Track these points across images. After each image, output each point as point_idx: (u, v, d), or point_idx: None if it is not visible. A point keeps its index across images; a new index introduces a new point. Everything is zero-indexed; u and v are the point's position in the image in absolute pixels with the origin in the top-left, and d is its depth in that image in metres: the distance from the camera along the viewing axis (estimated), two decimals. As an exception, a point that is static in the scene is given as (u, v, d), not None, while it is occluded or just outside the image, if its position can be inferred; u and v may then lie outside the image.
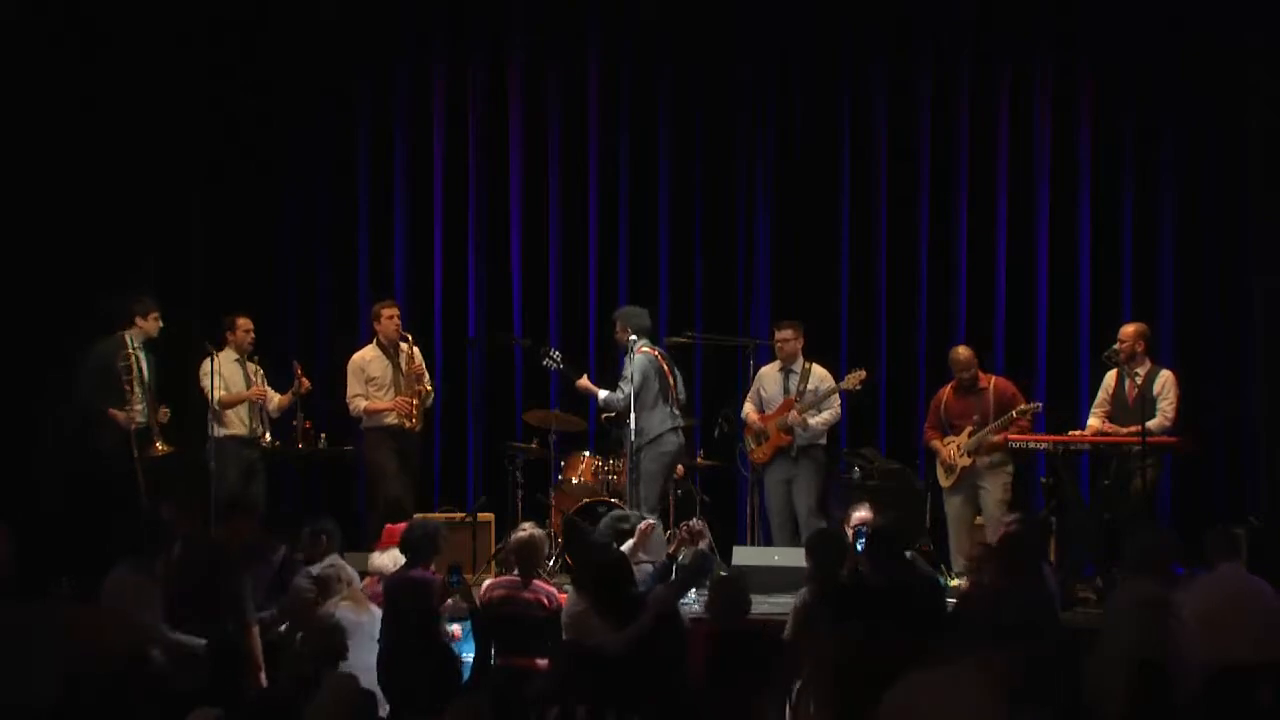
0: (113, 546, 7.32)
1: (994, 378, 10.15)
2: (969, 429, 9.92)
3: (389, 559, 8.22)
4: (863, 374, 10.19)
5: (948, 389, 10.19)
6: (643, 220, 11.90)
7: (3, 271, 10.62)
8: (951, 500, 10.07)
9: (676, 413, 10.13)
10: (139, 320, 10.03)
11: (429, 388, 10.56)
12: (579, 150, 11.89)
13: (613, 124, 11.89)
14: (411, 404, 10.37)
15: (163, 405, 10.02)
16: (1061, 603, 8.03)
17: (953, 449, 9.97)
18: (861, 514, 8.88)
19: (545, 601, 7.41)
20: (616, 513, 9.21)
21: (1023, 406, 9.85)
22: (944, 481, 10.08)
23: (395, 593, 7.55)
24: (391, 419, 10.32)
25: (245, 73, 11.35)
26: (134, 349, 10.00)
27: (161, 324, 10.10)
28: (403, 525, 8.34)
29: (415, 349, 10.55)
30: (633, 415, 9.86)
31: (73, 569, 7.60)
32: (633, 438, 9.90)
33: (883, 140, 11.75)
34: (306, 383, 10.34)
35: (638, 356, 10.05)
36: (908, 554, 8.04)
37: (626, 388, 9.98)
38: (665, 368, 10.14)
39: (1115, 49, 11.47)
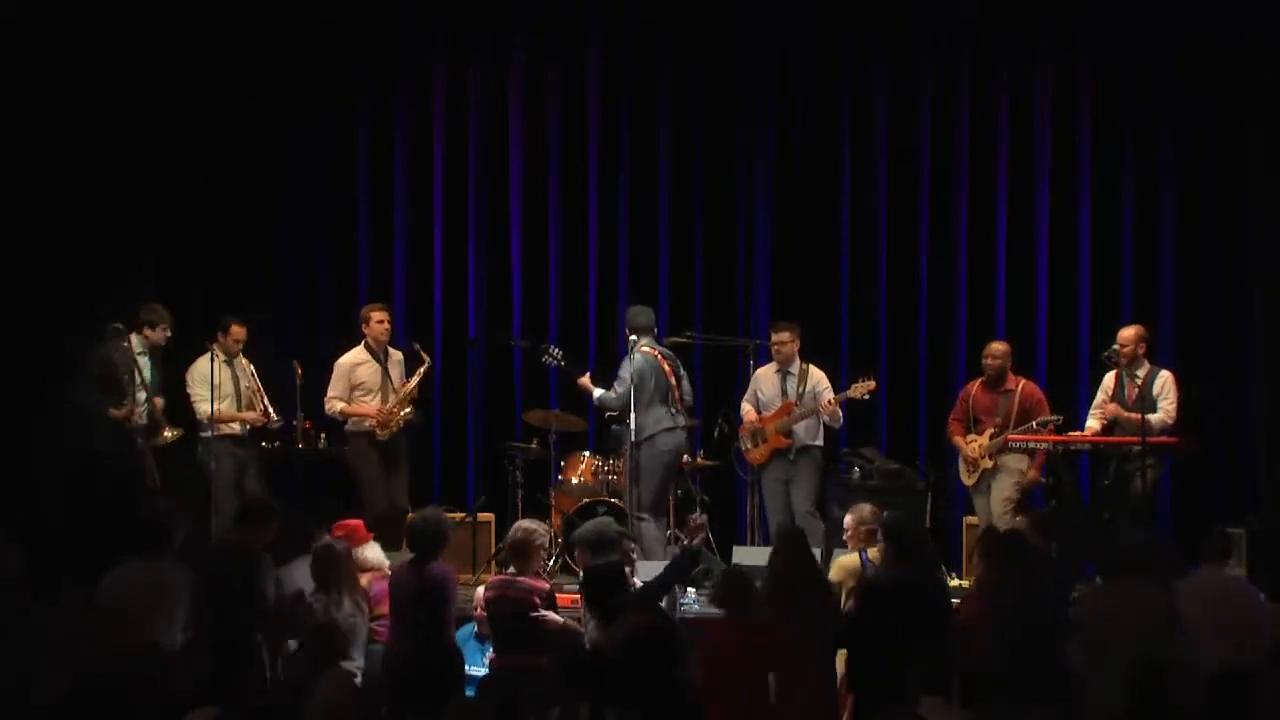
0: (115, 547, 7.32)
1: (1023, 381, 10.11)
2: (990, 430, 9.90)
3: (373, 553, 8.15)
4: (872, 384, 10.16)
5: (976, 383, 10.18)
6: (643, 220, 11.90)
7: (3, 272, 10.62)
8: (976, 500, 10.09)
9: (676, 412, 10.06)
10: (147, 330, 10.01)
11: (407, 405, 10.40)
12: (579, 150, 11.88)
13: (613, 124, 11.89)
14: (393, 414, 10.22)
15: (157, 397, 10.03)
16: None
17: (975, 447, 9.95)
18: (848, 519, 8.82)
19: (537, 600, 7.40)
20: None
21: (1044, 418, 9.79)
22: (966, 480, 10.08)
23: (404, 588, 7.46)
24: (369, 424, 10.24)
25: (245, 73, 11.35)
26: (137, 353, 9.99)
27: (170, 334, 10.08)
28: (352, 524, 8.28)
29: (394, 359, 10.44)
30: (632, 414, 9.85)
31: (74, 569, 7.60)
32: (632, 437, 9.90)
33: (883, 140, 11.74)
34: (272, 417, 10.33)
35: (636, 356, 10.04)
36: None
37: (620, 387, 9.96)
38: (666, 368, 10.10)
39: (1115, 49, 11.46)
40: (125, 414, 9.81)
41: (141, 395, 9.93)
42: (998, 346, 10.21)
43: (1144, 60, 11.43)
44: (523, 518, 9.88)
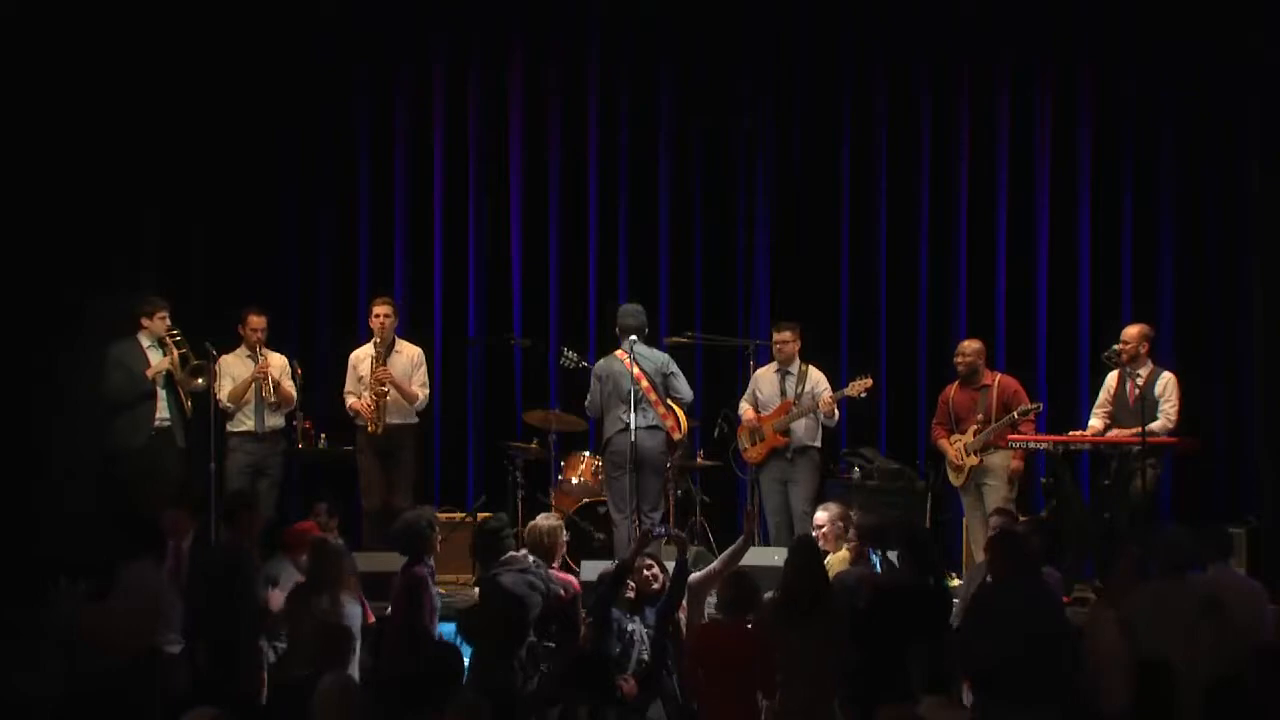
0: (130, 545, 7.33)
1: (999, 375, 10.16)
2: (974, 428, 9.92)
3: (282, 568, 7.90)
4: (869, 382, 10.16)
5: (953, 385, 10.20)
6: (643, 220, 11.90)
7: (3, 272, 10.61)
8: (965, 500, 10.10)
9: (643, 413, 9.67)
10: (145, 321, 10.06)
11: (402, 392, 10.31)
12: (579, 150, 11.89)
13: (613, 124, 11.89)
14: (370, 407, 10.21)
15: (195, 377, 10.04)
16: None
17: (959, 448, 9.96)
18: (818, 515, 8.79)
19: (562, 592, 7.51)
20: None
21: (1024, 407, 9.83)
22: (954, 481, 10.09)
23: (395, 590, 7.56)
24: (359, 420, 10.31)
25: (245, 72, 11.35)
26: (146, 347, 10.06)
27: (169, 322, 10.10)
28: (304, 527, 8.20)
29: (398, 353, 10.39)
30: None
31: (84, 569, 7.60)
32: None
33: (883, 141, 11.75)
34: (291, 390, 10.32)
35: (600, 361, 9.98)
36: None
37: (590, 393, 9.94)
38: (635, 371, 9.71)
39: (1115, 49, 11.47)
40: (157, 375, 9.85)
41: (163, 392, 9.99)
42: (967, 345, 10.24)
43: (1144, 60, 11.43)
44: (523, 519, 9.93)
